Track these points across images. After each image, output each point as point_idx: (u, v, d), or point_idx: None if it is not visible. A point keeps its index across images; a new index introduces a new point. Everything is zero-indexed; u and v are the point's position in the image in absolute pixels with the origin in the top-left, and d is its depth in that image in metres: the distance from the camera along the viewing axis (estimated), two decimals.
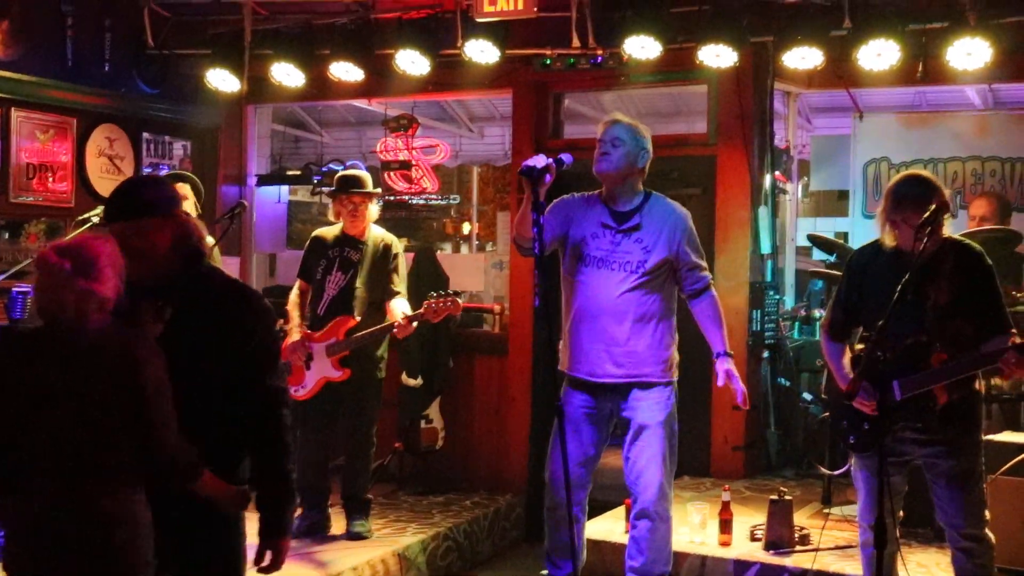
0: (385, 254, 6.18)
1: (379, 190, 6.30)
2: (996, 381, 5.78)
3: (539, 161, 4.48)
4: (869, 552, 4.42)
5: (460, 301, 6.06)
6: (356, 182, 6.18)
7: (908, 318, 4.13)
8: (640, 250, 4.90)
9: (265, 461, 3.51)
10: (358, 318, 6.08)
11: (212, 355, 3.39)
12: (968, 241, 4.41)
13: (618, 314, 4.88)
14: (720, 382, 4.96)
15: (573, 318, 4.96)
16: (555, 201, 4.96)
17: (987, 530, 4.33)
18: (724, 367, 4.92)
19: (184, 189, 6.02)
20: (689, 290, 5.04)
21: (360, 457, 6.28)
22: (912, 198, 4.21)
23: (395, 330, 5.95)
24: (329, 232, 6.30)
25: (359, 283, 6.12)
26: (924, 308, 4.21)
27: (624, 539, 5.52)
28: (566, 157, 4.55)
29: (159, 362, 3.19)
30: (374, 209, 6.28)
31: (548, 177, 4.49)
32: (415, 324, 6.00)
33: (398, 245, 6.30)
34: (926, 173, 4.43)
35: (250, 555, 3.54)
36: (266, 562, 3.47)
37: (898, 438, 4.27)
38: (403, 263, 6.29)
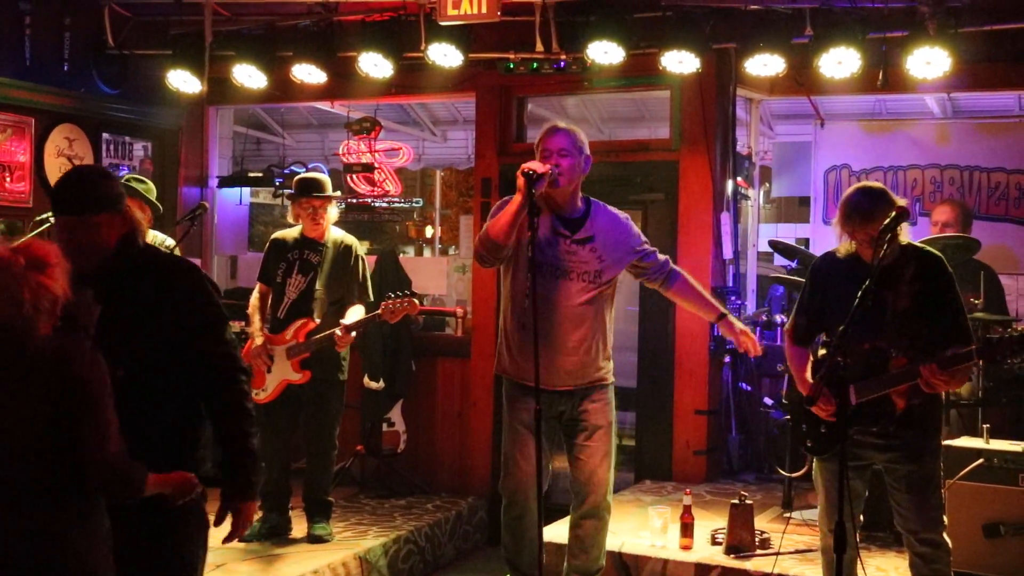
0: (346, 256, 6.17)
1: (339, 193, 6.30)
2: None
3: (539, 167, 4.59)
4: (830, 557, 4.44)
5: (417, 302, 6.07)
6: (316, 185, 6.16)
7: (868, 324, 4.16)
8: (596, 259, 4.91)
9: (224, 427, 3.47)
10: (318, 320, 6.06)
11: (153, 331, 3.37)
12: (929, 248, 4.45)
13: (576, 322, 4.88)
14: (741, 345, 5.00)
15: (525, 324, 4.80)
16: (498, 203, 4.93)
17: (944, 535, 4.36)
18: (736, 328, 5.03)
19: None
20: (661, 275, 5.09)
21: (322, 459, 6.25)
22: (860, 211, 4.26)
23: (335, 340, 5.95)
24: (288, 234, 6.27)
25: (319, 285, 6.10)
26: (884, 314, 4.24)
27: None
28: (556, 171, 4.69)
29: (99, 373, 3.04)
30: (333, 212, 6.26)
31: (541, 184, 4.59)
32: (354, 334, 6.00)
33: (359, 247, 6.28)
34: (877, 185, 4.43)
35: (212, 558, 3.51)
36: (226, 524, 3.46)
37: (857, 442, 4.31)
38: (365, 265, 6.27)
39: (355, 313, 6.06)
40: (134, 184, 6.26)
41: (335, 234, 6.23)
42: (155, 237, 6.11)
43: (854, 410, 4.25)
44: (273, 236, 6.40)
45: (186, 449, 3.48)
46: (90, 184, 3.44)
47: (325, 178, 6.30)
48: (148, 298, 3.40)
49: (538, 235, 4.76)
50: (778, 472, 6.50)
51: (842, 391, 4.06)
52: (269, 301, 6.24)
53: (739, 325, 5.05)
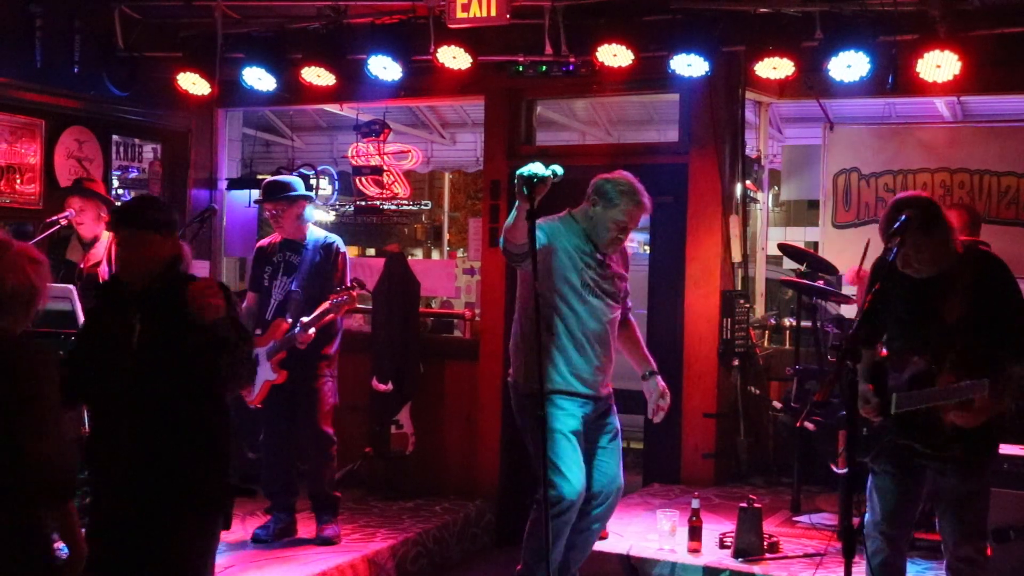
0: (325, 254, 6.18)
1: (294, 194, 6.21)
2: None
3: (539, 168, 4.42)
4: (879, 560, 4.34)
5: (355, 293, 6.08)
6: (265, 191, 6.21)
7: (917, 335, 4.12)
8: (618, 280, 5.14)
9: None
10: (291, 320, 6.04)
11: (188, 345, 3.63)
12: (989, 251, 4.33)
13: (611, 339, 5.13)
14: (666, 401, 5.22)
15: (570, 339, 5.01)
16: (540, 220, 4.79)
17: (983, 552, 4.22)
18: (657, 390, 5.23)
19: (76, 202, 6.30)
20: (625, 310, 5.29)
21: (319, 454, 6.22)
22: (880, 225, 4.22)
23: (297, 341, 5.94)
24: (272, 239, 6.33)
25: (295, 286, 6.10)
26: (931, 326, 4.14)
27: (595, 546, 5.56)
28: (559, 169, 4.49)
29: (41, 370, 3.15)
30: (310, 211, 6.28)
31: (543, 189, 4.42)
32: (312, 331, 5.95)
33: (340, 244, 6.27)
34: (908, 196, 4.33)
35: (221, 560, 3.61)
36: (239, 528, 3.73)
37: (908, 448, 4.21)
38: (346, 263, 6.27)
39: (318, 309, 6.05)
40: (89, 186, 6.39)
41: (315, 234, 6.25)
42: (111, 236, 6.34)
43: (903, 420, 4.15)
44: (257, 244, 6.49)
45: (217, 454, 3.76)
46: (148, 207, 3.92)
47: (283, 181, 6.30)
48: (184, 314, 3.61)
49: (572, 254, 4.99)
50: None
51: (882, 396, 4.02)
52: (256, 307, 6.26)
53: (661, 388, 5.22)
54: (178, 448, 3.64)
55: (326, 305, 5.97)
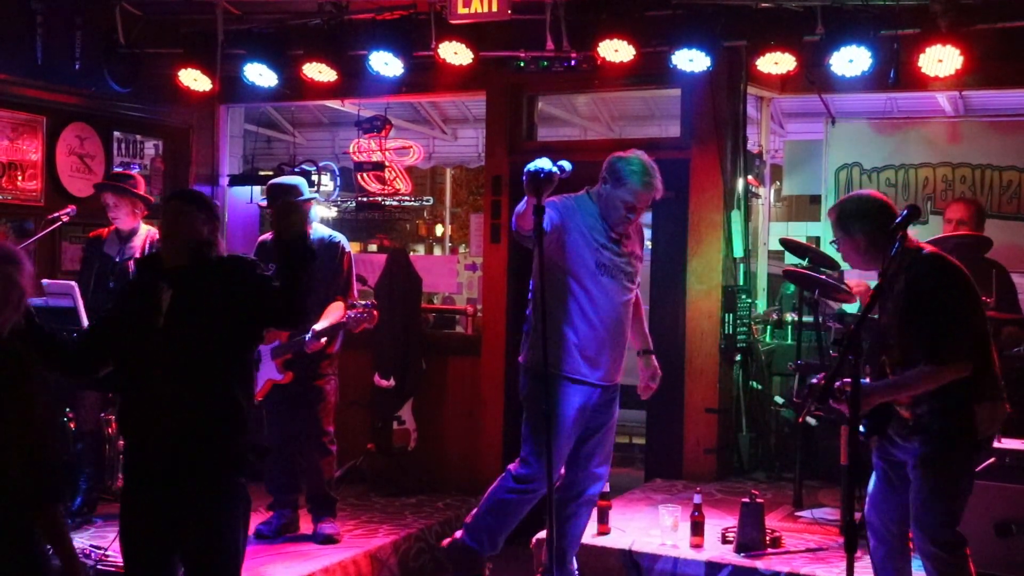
0: (331, 252, 6.13)
1: (301, 198, 6.18)
2: None
3: (545, 164, 4.41)
4: (871, 552, 4.42)
5: (376, 312, 6.10)
6: (274, 193, 6.16)
7: (873, 335, 4.22)
8: (634, 260, 5.13)
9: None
10: None
11: (221, 316, 3.84)
12: (925, 252, 4.26)
13: (624, 322, 5.13)
14: (656, 382, 5.31)
15: (584, 321, 5.00)
16: (552, 199, 4.80)
17: (943, 544, 4.19)
18: (649, 369, 5.33)
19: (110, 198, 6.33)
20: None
21: (320, 453, 6.20)
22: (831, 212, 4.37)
23: (306, 348, 5.94)
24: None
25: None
26: (871, 324, 4.24)
27: (597, 541, 5.57)
28: (567, 164, 4.49)
29: (23, 376, 3.25)
30: (314, 210, 6.27)
31: (549, 187, 4.41)
32: (324, 340, 5.96)
33: (345, 243, 6.24)
34: (857, 195, 4.52)
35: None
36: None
37: (889, 439, 4.34)
38: (351, 261, 6.23)
39: (329, 315, 6.00)
40: (124, 185, 6.39)
41: (320, 232, 6.22)
42: (149, 230, 6.43)
43: (880, 413, 4.25)
44: (259, 239, 6.42)
45: (242, 420, 3.91)
46: (200, 193, 4.29)
47: (288, 184, 6.19)
48: (217, 288, 3.89)
49: (586, 234, 4.97)
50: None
51: (854, 390, 4.07)
52: None
53: (654, 367, 5.31)
54: (203, 412, 3.79)
55: (340, 317, 5.95)
